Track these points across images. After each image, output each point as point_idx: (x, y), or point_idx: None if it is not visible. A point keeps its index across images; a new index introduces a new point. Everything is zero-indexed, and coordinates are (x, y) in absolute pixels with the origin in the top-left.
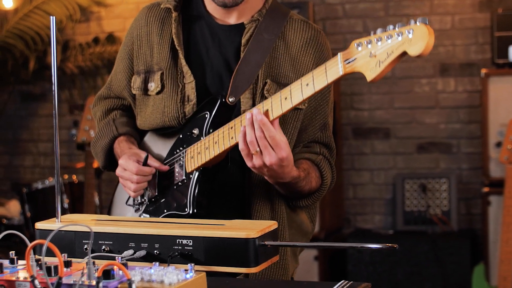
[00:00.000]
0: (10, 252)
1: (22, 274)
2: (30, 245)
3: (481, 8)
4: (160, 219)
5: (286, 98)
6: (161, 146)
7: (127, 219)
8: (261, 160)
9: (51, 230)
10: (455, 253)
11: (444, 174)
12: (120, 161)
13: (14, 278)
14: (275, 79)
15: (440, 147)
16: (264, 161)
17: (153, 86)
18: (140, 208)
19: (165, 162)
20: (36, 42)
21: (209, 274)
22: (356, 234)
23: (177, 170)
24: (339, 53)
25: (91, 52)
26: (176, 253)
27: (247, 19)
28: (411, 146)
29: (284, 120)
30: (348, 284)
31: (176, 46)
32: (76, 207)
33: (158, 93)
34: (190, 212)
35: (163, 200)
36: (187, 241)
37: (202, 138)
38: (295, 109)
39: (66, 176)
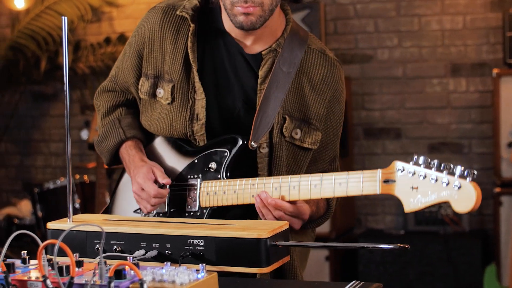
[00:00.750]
0: (22, 252)
1: (34, 274)
2: (42, 245)
3: (493, 8)
4: (171, 219)
5: (316, 186)
6: (173, 160)
7: (138, 219)
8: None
9: (63, 230)
10: (466, 253)
11: None
12: (139, 180)
13: (26, 278)
14: (291, 114)
15: (451, 147)
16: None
17: (162, 93)
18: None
19: (178, 183)
20: (47, 42)
21: (220, 274)
22: (367, 234)
23: (190, 197)
24: (379, 170)
25: (102, 52)
26: (188, 253)
27: (265, 46)
28: (422, 146)
29: (294, 157)
30: (360, 284)
31: (191, 61)
32: (87, 207)
33: (168, 103)
34: None
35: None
36: (198, 241)
37: (219, 176)
38: (306, 149)
39: (77, 176)
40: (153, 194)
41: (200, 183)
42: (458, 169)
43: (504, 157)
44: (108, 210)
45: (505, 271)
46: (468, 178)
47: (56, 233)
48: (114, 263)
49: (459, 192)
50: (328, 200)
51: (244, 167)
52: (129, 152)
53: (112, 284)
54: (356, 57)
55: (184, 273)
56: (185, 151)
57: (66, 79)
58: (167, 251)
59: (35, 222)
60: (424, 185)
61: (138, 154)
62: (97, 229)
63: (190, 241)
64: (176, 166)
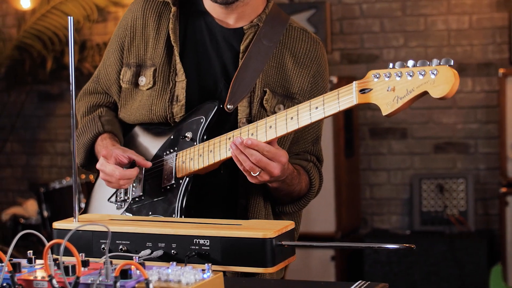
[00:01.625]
0: (28, 252)
1: (40, 274)
2: (48, 244)
3: (499, 7)
4: (177, 219)
5: (292, 118)
6: (149, 143)
7: (144, 219)
8: (267, 175)
9: (69, 230)
10: (472, 253)
11: (461, 174)
12: (98, 166)
13: (32, 278)
14: (273, 88)
15: (457, 147)
16: (270, 176)
17: (144, 81)
18: (123, 206)
19: (154, 162)
20: (53, 42)
21: (226, 274)
22: (373, 234)
23: (165, 172)
24: (354, 82)
25: None
26: (193, 253)
27: (246, 23)
28: (428, 146)
29: (285, 137)
30: (365, 284)
31: (172, 42)
32: None
33: (148, 89)
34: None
35: (148, 201)
36: (204, 241)
37: (195, 143)
38: None
39: (83, 176)
40: (118, 177)
41: (176, 155)
42: (435, 61)
43: (510, 157)
44: (85, 211)
45: (511, 272)
46: (442, 63)
47: (62, 232)
48: (120, 263)
49: (435, 78)
50: (310, 178)
51: (221, 132)
52: (103, 142)
53: (118, 284)
54: (362, 57)
55: (190, 273)
56: (161, 131)
57: (72, 79)
58: (173, 251)
59: (41, 221)
60: (401, 83)
61: (111, 142)
62: (103, 228)
63: (196, 241)
64: (151, 148)
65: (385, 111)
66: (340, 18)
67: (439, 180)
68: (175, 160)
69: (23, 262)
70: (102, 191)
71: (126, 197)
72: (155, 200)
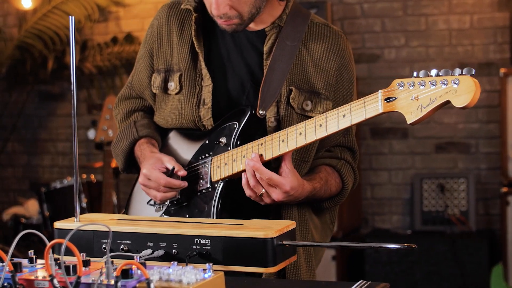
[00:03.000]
0: (29, 251)
1: (41, 273)
2: (49, 244)
3: (500, 7)
4: (178, 218)
5: (321, 125)
6: (185, 148)
7: (145, 219)
8: (269, 198)
9: (70, 230)
10: (473, 253)
11: (462, 174)
12: (144, 171)
13: (33, 277)
14: (299, 85)
15: (458, 147)
16: (272, 198)
17: (173, 86)
18: (161, 208)
19: (190, 166)
20: (54, 42)
21: (227, 273)
22: (374, 234)
23: (201, 176)
24: (380, 91)
25: (109, 52)
26: (194, 253)
27: (267, 25)
28: (429, 146)
29: None
30: (366, 284)
31: (196, 49)
32: (94, 206)
33: (176, 93)
34: None
35: (186, 204)
36: (205, 241)
37: (229, 148)
38: None
39: (84, 176)
40: (162, 183)
41: (211, 159)
42: (457, 70)
43: (511, 156)
44: (127, 209)
45: None
46: (464, 72)
47: (63, 232)
48: (121, 263)
49: (457, 87)
50: (342, 178)
51: (254, 137)
52: (141, 148)
53: (119, 284)
54: (363, 56)
55: (191, 273)
56: (196, 136)
57: (73, 78)
58: (174, 251)
59: (42, 221)
60: (424, 92)
61: (149, 147)
62: (104, 228)
63: (197, 241)
64: (188, 153)
65: (409, 120)
66: (341, 18)
67: (440, 180)
68: (210, 165)
69: (24, 262)
70: (142, 195)
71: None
72: (192, 203)
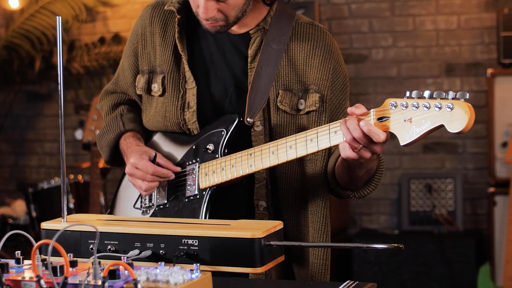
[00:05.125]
0: (16, 252)
1: (28, 274)
2: (36, 245)
3: (487, 8)
4: (165, 219)
5: (312, 140)
6: (171, 151)
7: (133, 219)
8: (369, 153)
9: (57, 230)
10: (461, 253)
11: (449, 174)
12: (132, 160)
13: (20, 278)
14: (287, 87)
15: (446, 147)
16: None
17: (156, 87)
18: (148, 212)
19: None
20: (42, 42)
21: (214, 274)
22: (362, 234)
23: (189, 182)
24: (372, 110)
25: (97, 52)
26: (182, 253)
27: (251, 27)
28: (417, 146)
29: (301, 129)
30: (354, 284)
31: (180, 51)
32: (81, 207)
33: (160, 96)
34: None
35: (173, 210)
36: (192, 241)
37: (217, 156)
38: (307, 113)
39: (71, 176)
40: (150, 171)
41: (198, 166)
42: (451, 93)
43: (498, 157)
44: (110, 213)
45: (499, 271)
46: (461, 99)
47: (50, 233)
48: (108, 263)
49: (452, 113)
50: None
51: (241, 146)
52: (127, 141)
53: (106, 284)
54: (351, 57)
55: (178, 273)
56: (183, 140)
57: (60, 79)
58: (161, 251)
59: (29, 222)
60: (417, 115)
61: (135, 141)
62: (91, 229)
63: (184, 241)
64: (174, 157)
65: (402, 141)
66: (329, 18)
67: (428, 180)
68: (198, 172)
69: (11, 262)
70: (127, 196)
71: (151, 204)
72: (179, 208)
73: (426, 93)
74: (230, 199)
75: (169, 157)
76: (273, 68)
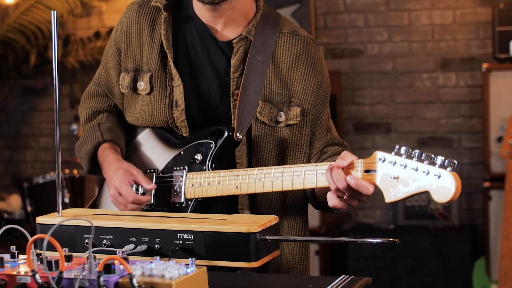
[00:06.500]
0: (11, 247)
1: (23, 269)
2: (31, 239)
3: (483, 2)
4: (161, 213)
5: (298, 176)
6: (159, 153)
7: (128, 214)
8: (356, 201)
9: (52, 225)
10: (456, 248)
11: None
12: (116, 184)
13: (15, 273)
14: (267, 99)
15: (441, 141)
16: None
17: (143, 86)
18: None
19: (164, 175)
20: (37, 36)
21: (209, 268)
22: (357, 229)
23: (175, 189)
24: (360, 160)
25: (92, 46)
26: (177, 248)
27: (236, 31)
28: (412, 140)
29: (281, 141)
30: (349, 279)
31: (165, 49)
32: (77, 201)
33: (147, 94)
34: None
35: (159, 212)
36: (188, 236)
37: (204, 167)
38: (287, 125)
39: (67, 171)
40: (130, 200)
41: (186, 175)
42: (439, 159)
43: (494, 151)
44: (96, 203)
45: (494, 266)
46: (448, 168)
47: (46, 227)
48: (103, 258)
49: (438, 181)
50: None
51: (228, 158)
52: (104, 153)
53: (102, 279)
54: (346, 51)
55: (174, 268)
56: (171, 143)
57: (55, 73)
58: (156, 246)
59: (25, 216)
60: (404, 174)
61: (113, 154)
62: (87, 223)
63: (179, 236)
64: (162, 158)
65: (387, 198)
66: (324, 13)
67: None
68: (185, 180)
69: (6, 257)
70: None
71: None
72: (165, 212)
73: (415, 153)
74: (216, 208)
75: (157, 156)
76: (259, 81)
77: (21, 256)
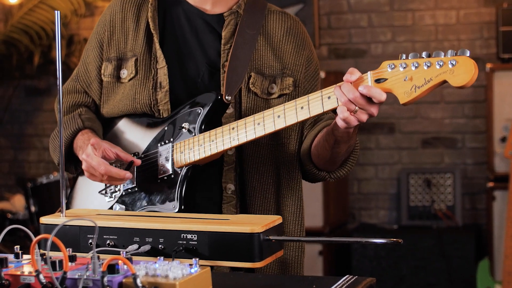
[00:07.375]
0: (15, 247)
1: (27, 269)
2: (35, 239)
3: (486, 2)
4: (165, 214)
5: (302, 108)
6: (140, 135)
7: (132, 214)
8: (366, 115)
9: (56, 225)
10: (460, 248)
11: (449, 169)
12: (83, 156)
13: (19, 273)
14: (259, 71)
15: (445, 142)
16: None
17: (126, 73)
18: (114, 197)
19: (147, 153)
20: (41, 36)
21: (213, 268)
22: (361, 229)
23: (161, 162)
24: (369, 72)
25: None
26: (181, 248)
27: (224, 9)
28: (416, 141)
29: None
30: (353, 279)
31: (152, 30)
32: None
33: (130, 79)
34: (177, 209)
35: (143, 193)
36: (191, 236)
37: (194, 133)
38: (279, 96)
39: None
40: (102, 171)
41: (173, 145)
42: (450, 51)
43: (497, 151)
44: (69, 201)
45: (498, 266)
46: (461, 54)
47: (49, 227)
48: (107, 258)
49: (455, 68)
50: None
51: (217, 126)
52: (83, 136)
53: (105, 279)
54: (350, 52)
55: (177, 268)
56: (152, 124)
57: (59, 73)
58: (160, 246)
59: (28, 216)
60: (418, 73)
61: (94, 136)
62: (90, 223)
63: (183, 236)
64: (143, 141)
65: (402, 100)
66: (328, 13)
67: (427, 174)
68: (172, 151)
69: (10, 257)
70: (89, 182)
71: (117, 189)
72: (150, 191)
73: (424, 54)
74: (203, 181)
75: (138, 140)
76: (248, 51)
77: (25, 256)
